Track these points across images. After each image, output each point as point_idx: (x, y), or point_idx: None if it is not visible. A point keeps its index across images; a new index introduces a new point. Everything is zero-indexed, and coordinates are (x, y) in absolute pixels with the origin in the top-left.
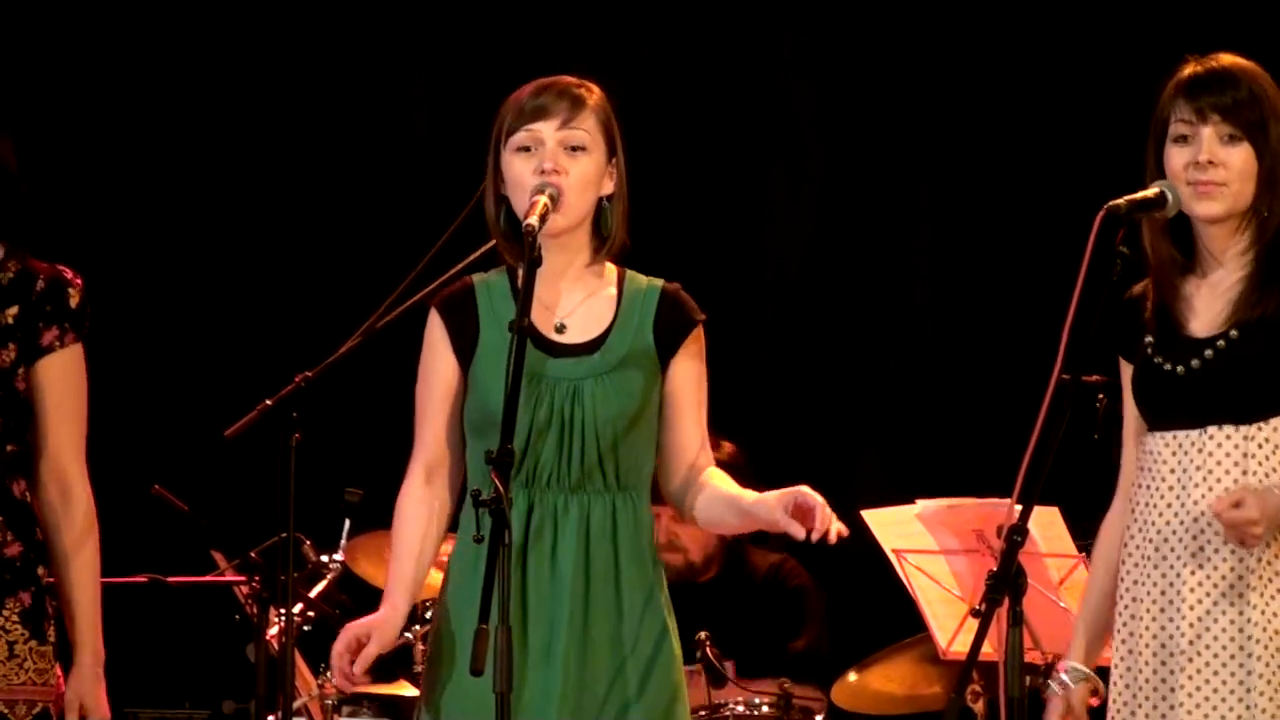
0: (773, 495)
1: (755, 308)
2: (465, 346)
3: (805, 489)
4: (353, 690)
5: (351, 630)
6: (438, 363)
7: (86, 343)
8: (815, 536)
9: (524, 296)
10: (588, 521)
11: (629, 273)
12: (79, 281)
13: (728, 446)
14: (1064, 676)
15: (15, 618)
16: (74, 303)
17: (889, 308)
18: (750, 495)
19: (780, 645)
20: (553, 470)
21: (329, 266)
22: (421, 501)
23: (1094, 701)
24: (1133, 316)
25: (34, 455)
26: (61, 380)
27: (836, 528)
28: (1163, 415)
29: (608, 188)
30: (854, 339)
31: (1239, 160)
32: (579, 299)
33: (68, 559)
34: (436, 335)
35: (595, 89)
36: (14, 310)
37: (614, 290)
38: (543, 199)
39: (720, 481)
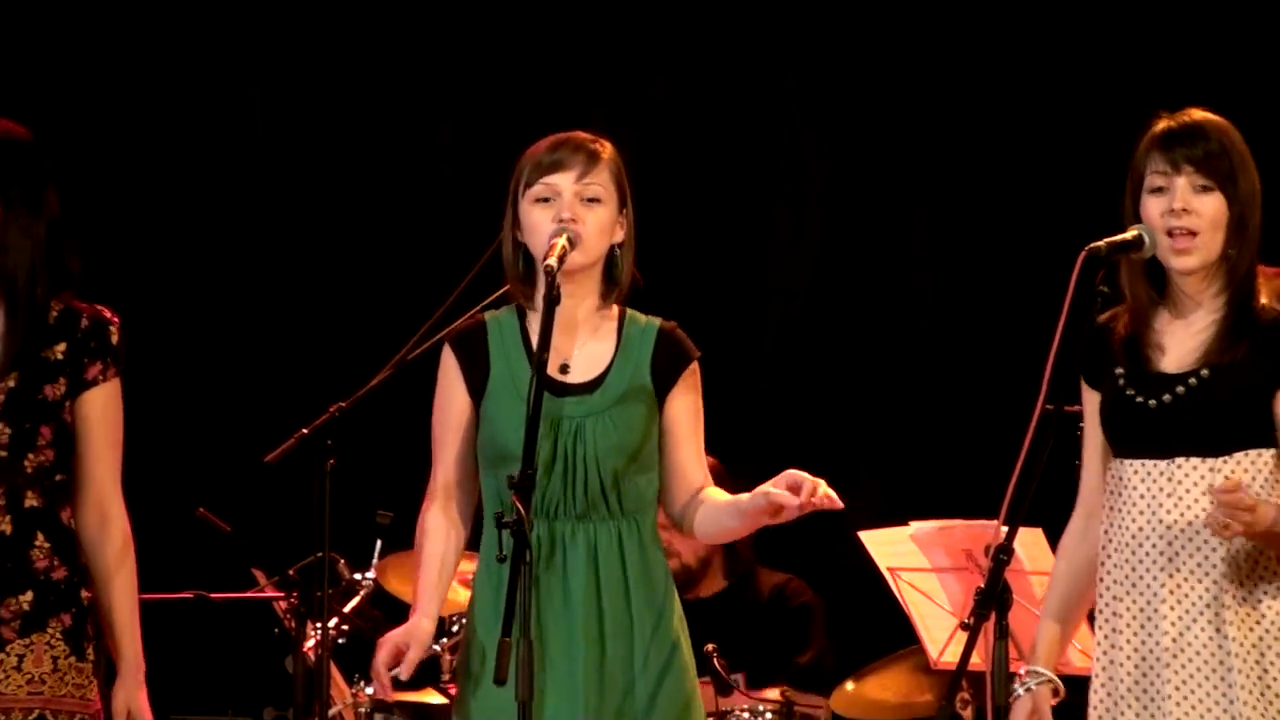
0: (764, 485)
1: (757, 337)
2: (477, 382)
3: (792, 470)
4: (392, 698)
5: (392, 640)
6: (452, 396)
7: (127, 378)
8: (821, 501)
9: (543, 332)
10: (595, 547)
11: (630, 312)
12: (117, 320)
13: (709, 460)
14: (1028, 680)
15: (59, 635)
16: (114, 340)
17: (886, 340)
18: (745, 496)
19: (785, 660)
20: (559, 501)
21: (361, 303)
22: (441, 521)
23: (1053, 701)
24: (1099, 345)
25: (76, 482)
26: (104, 412)
27: (824, 491)
28: (1131, 444)
29: (618, 236)
30: (853, 369)
31: (1210, 209)
32: (584, 340)
33: (108, 580)
34: (450, 370)
35: (608, 145)
36: (62, 347)
37: (615, 330)
38: (560, 241)
39: (717, 495)
